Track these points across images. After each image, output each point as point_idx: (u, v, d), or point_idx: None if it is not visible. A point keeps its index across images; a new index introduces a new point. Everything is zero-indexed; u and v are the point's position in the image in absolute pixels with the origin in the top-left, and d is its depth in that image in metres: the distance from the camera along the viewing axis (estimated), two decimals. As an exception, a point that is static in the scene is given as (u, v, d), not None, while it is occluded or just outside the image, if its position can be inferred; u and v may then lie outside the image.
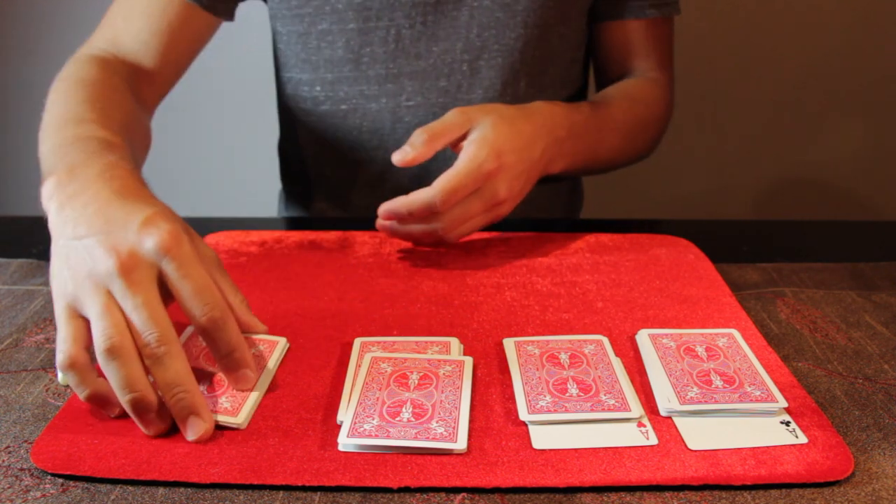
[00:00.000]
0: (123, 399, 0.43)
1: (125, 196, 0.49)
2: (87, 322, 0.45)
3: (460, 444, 0.43)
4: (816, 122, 1.55)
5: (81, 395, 0.44)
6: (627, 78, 0.88)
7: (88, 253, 0.46)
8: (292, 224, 0.85)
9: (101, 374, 0.44)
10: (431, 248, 0.69)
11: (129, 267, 0.44)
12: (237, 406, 0.46)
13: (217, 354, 0.46)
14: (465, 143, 0.64)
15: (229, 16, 0.81)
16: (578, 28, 0.85)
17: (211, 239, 0.70)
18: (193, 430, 0.43)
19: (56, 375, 0.50)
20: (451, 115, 0.65)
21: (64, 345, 0.44)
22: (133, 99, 0.71)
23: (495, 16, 0.79)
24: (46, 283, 0.62)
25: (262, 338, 0.53)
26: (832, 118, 1.55)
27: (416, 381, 0.48)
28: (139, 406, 0.43)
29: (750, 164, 1.59)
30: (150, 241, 0.45)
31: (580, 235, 0.71)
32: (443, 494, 0.40)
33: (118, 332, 0.43)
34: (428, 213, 0.62)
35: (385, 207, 0.64)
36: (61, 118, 0.61)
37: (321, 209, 0.92)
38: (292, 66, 0.84)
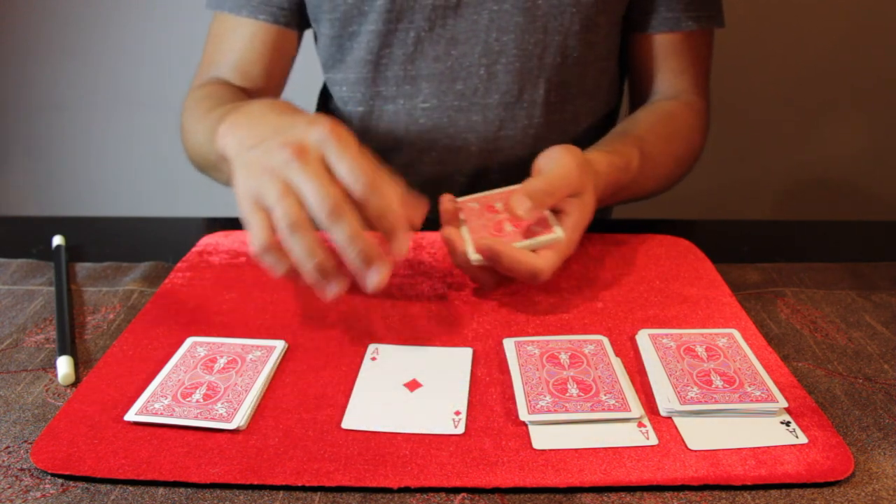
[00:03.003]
0: (307, 267, 0.49)
1: (287, 112, 0.56)
2: (269, 214, 0.50)
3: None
4: (817, 121, 1.55)
5: (279, 271, 0.50)
6: (664, 97, 0.84)
7: (263, 153, 0.51)
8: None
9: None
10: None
11: (300, 155, 0.49)
12: (232, 412, 0.46)
13: (372, 221, 0.50)
14: (569, 217, 0.59)
15: (307, 25, 0.85)
16: (608, 37, 0.82)
17: (210, 239, 0.70)
18: (376, 275, 0.49)
19: (56, 375, 0.50)
20: (573, 173, 0.59)
21: (256, 231, 0.49)
22: None
23: (515, 20, 0.77)
24: (47, 283, 0.62)
25: (260, 342, 0.53)
26: (832, 118, 1.55)
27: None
28: (322, 270, 0.49)
29: (750, 164, 1.59)
30: (317, 131, 0.50)
31: (580, 235, 0.71)
32: (443, 494, 0.40)
33: (296, 209, 0.48)
34: (527, 279, 0.57)
35: (490, 247, 0.56)
36: (207, 110, 0.71)
37: None
38: (329, 67, 0.86)
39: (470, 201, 0.63)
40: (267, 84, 0.83)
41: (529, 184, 0.57)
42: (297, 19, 0.83)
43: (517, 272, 0.56)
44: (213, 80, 0.81)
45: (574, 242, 0.59)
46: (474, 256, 0.57)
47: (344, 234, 0.48)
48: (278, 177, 0.49)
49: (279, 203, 0.49)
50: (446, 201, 0.62)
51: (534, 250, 0.57)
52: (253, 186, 0.50)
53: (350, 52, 0.82)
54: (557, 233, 0.57)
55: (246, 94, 0.80)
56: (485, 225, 0.60)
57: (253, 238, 0.50)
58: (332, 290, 0.50)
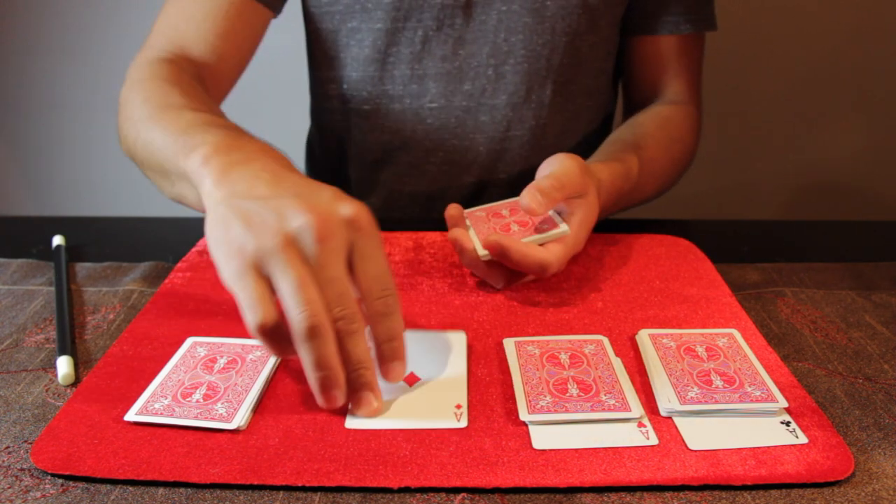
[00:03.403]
0: (314, 376, 0.43)
1: (298, 174, 0.48)
2: (269, 281, 0.43)
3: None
4: (816, 122, 1.55)
5: (276, 355, 0.45)
6: (660, 101, 0.85)
7: (278, 210, 0.43)
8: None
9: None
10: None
11: (325, 232, 0.43)
12: (232, 412, 0.46)
13: (378, 339, 0.46)
14: (575, 215, 0.60)
15: (279, 10, 0.80)
16: (608, 38, 0.83)
17: (211, 239, 0.70)
18: (366, 405, 0.45)
19: (56, 375, 0.50)
20: (576, 174, 0.60)
21: (256, 306, 0.42)
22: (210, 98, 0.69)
23: (523, 20, 0.77)
24: (47, 283, 0.62)
25: (258, 342, 0.53)
26: (833, 118, 1.55)
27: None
28: (329, 383, 0.43)
29: (750, 164, 1.59)
30: (348, 210, 0.44)
31: (580, 235, 0.71)
32: (443, 494, 0.40)
33: (319, 310, 0.42)
34: (536, 271, 0.58)
35: (498, 242, 0.57)
36: (167, 106, 0.60)
37: None
38: (321, 64, 0.85)
39: (476, 211, 0.64)
40: (227, 66, 0.76)
41: (539, 181, 0.58)
42: (278, 1, 0.79)
43: (526, 265, 0.57)
44: (169, 58, 0.72)
45: (581, 240, 0.60)
46: (482, 252, 0.58)
47: (356, 353, 0.44)
48: (295, 249, 0.42)
49: (298, 292, 0.41)
50: (451, 209, 0.62)
51: (541, 245, 0.58)
52: (254, 245, 0.42)
53: (349, 49, 0.81)
54: (563, 227, 0.59)
55: (202, 76, 0.73)
56: (491, 227, 0.61)
57: (252, 311, 0.42)
58: (332, 399, 0.44)
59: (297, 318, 0.42)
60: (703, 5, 0.83)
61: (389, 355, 0.46)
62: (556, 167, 0.60)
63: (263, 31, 0.80)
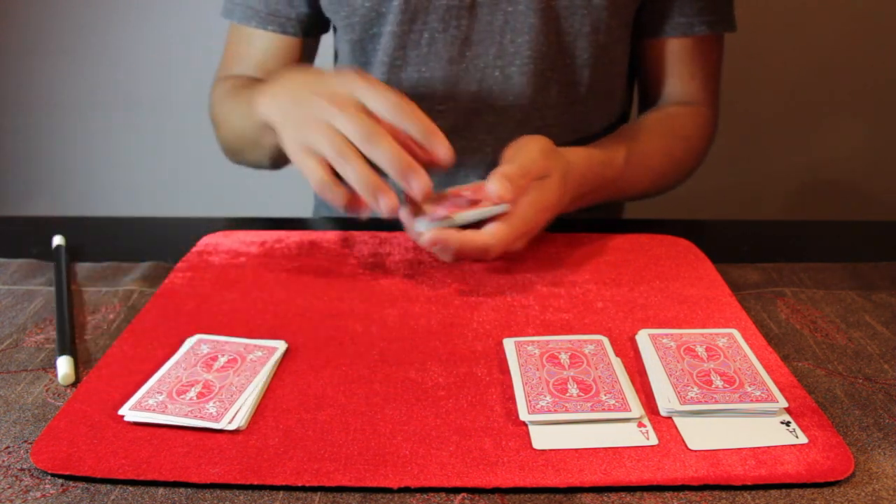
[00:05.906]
0: (360, 186, 0.56)
1: (317, 72, 0.64)
2: (319, 157, 0.57)
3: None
4: (816, 122, 1.55)
5: (339, 202, 0.58)
6: (669, 102, 0.85)
7: (303, 109, 0.59)
8: (294, 224, 0.85)
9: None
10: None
11: (331, 97, 0.57)
12: (222, 412, 0.45)
13: (417, 140, 0.58)
14: (526, 195, 0.61)
15: (316, 32, 0.87)
16: (620, 39, 0.82)
17: (210, 239, 0.70)
18: (418, 182, 0.56)
19: (56, 375, 0.50)
20: (537, 157, 0.62)
21: (312, 173, 0.57)
22: None
23: (529, 21, 0.77)
24: (46, 283, 0.62)
25: (263, 343, 0.53)
26: (832, 118, 1.55)
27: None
28: (373, 187, 0.56)
29: (750, 164, 1.59)
30: (344, 79, 0.58)
31: (580, 235, 0.71)
32: (443, 494, 0.40)
33: (339, 140, 0.56)
34: (480, 256, 0.61)
35: (436, 238, 0.59)
36: (237, 94, 0.77)
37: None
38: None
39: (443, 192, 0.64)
40: None
41: (505, 168, 0.60)
42: (308, 28, 0.84)
43: (468, 252, 0.59)
44: (236, 74, 0.83)
45: (530, 220, 0.61)
46: (423, 240, 0.59)
47: (383, 155, 0.55)
48: (318, 122, 0.56)
49: (324, 141, 0.55)
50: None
51: (483, 222, 0.59)
52: (300, 138, 0.58)
53: (374, 54, 0.82)
54: (501, 206, 0.59)
55: None
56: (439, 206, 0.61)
57: (311, 180, 0.57)
58: (386, 205, 0.56)
59: (329, 156, 0.56)
60: (720, 5, 0.82)
61: (431, 142, 0.57)
62: (518, 152, 0.62)
63: (314, 52, 0.89)
